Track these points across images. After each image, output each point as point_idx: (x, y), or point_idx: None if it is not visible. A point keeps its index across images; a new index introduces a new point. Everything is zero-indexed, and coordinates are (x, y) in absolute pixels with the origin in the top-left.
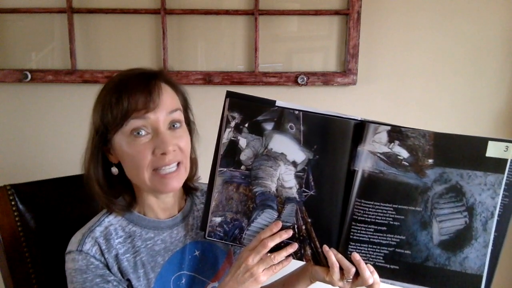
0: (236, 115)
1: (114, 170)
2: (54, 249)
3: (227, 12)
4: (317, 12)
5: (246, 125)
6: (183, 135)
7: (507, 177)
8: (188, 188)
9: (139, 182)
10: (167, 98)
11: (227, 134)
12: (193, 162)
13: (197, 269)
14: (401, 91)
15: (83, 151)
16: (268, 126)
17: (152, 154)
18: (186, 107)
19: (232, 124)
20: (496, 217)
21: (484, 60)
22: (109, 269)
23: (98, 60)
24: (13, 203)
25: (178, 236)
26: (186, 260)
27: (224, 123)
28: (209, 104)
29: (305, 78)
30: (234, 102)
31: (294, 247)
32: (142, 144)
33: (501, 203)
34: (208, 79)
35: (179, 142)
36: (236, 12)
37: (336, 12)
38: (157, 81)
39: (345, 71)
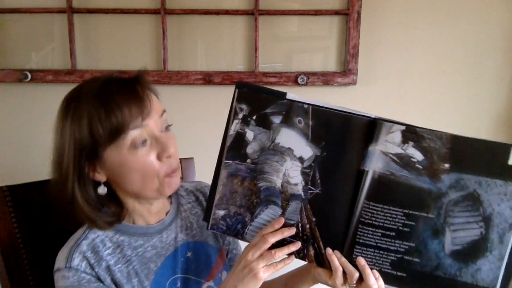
0: (244, 106)
1: (103, 190)
2: (51, 251)
3: (227, 12)
4: (317, 12)
5: (254, 117)
6: (173, 136)
7: None
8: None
9: (144, 192)
10: (155, 102)
11: (234, 126)
12: None
13: (191, 270)
14: (401, 91)
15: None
16: (276, 120)
17: (157, 160)
18: None
19: (240, 116)
20: None
21: (484, 60)
22: (101, 282)
23: (98, 60)
24: (9, 204)
25: (169, 240)
26: (179, 263)
27: (232, 115)
28: (209, 104)
29: (305, 78)
30: (243, 93)
31: (297, 245)
32: (145, 153)
33: None
34: (208, 79)
35: (174, 143)
36: (236, 12)
37: (336, 12)
38: (141, 86)
39: (345, 71)
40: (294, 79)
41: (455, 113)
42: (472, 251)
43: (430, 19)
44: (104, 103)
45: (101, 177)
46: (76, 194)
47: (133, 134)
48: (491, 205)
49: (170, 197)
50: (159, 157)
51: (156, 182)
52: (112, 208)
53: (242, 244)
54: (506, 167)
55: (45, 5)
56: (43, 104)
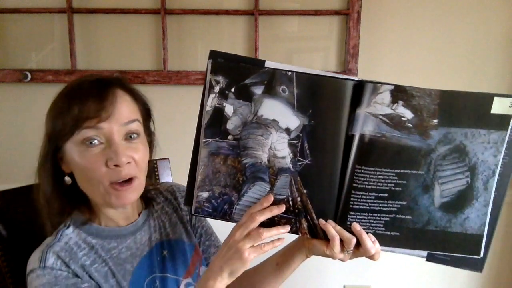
0: (220, 78)
1: (67, 179)
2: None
3: (227, 12)
4: (317, 12)
5: (233, 89)
6: (140, 147)
7: (509, 134)
8: (146, 198)
9: (93, 195)
10: (123, 107)
11: (211, 101)
12: (150, 172)
13: (168, 268)
14: None
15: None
16: (258, 90)
17: (105, 166)
18: (146, 118)
19: (216, 89)
20: (497, 176)
21: (484, 60)
22: (79, 278)
23: (98, 60)
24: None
25: (143, 241)
26: (156, 262)
27: (207, 89)
28: None
29: None
30: (218, 64)
31: (286, 228)
32: (94, 154)
33: (501, 161)
34: None
35: (134, 154)
36: (236, 12)
37: (336, 12)
38: (112, 88)
39: (345, 71)
40: None
41: None
42: (459, 201)
43: (430, 19)
44: (68, 98)
45: (65, 168)
46: (42, 180)
47: (86, 133)
48: (476, 155)
49: (141, 197)
50: (107, 164)
51: (101, 189)
52: (83, 209)
53: (219, 233)
54: (489, 116)
55: (45, 5)
56: (43, 104)
